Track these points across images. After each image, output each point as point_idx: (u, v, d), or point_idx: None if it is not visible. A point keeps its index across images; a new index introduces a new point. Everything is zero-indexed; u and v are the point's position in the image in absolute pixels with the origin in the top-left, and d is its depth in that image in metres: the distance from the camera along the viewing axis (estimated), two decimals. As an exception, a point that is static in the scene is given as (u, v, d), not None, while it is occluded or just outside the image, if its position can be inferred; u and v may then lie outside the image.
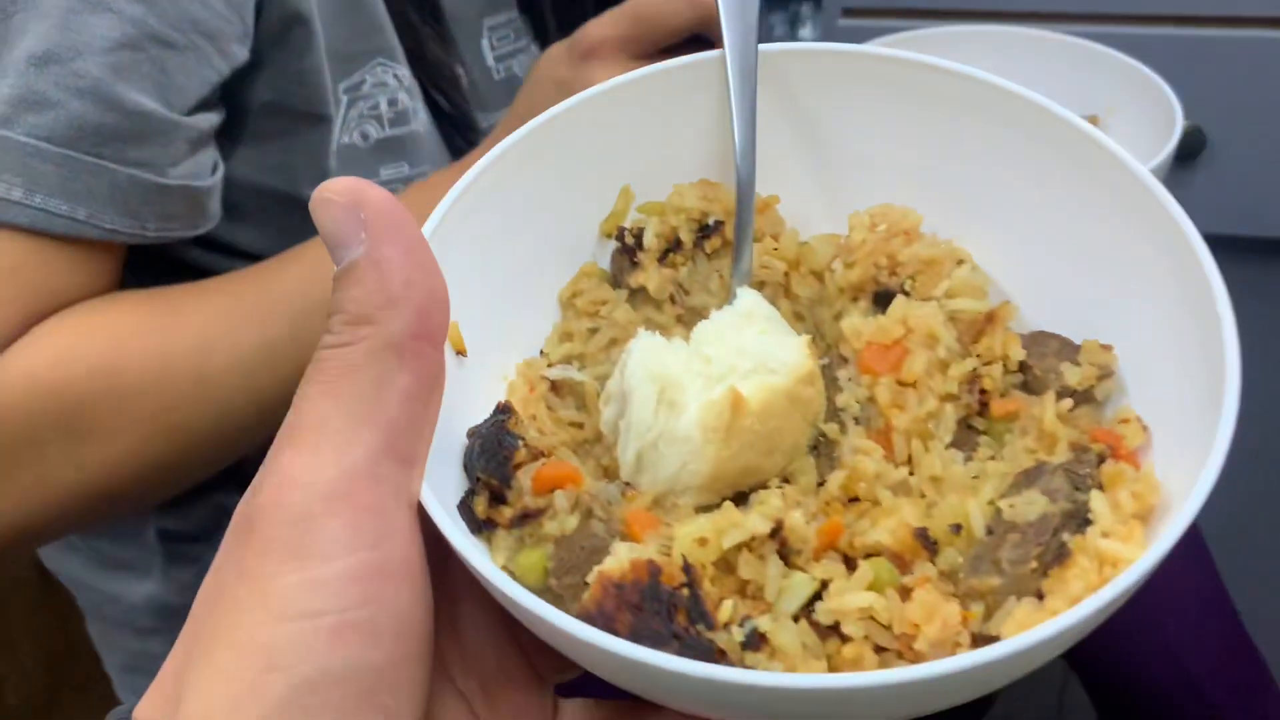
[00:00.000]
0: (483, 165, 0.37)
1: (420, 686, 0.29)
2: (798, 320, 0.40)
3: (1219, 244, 1.19)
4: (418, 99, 0.76)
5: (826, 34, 1.06)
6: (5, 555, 0.63)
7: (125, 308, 0.63)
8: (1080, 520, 0.30)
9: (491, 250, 0.38)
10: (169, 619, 0.82)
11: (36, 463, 0.59)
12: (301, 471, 0.27)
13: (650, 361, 0.34)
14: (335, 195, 0.28)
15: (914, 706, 0.27)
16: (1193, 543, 0.87)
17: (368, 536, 0.27)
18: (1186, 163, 1.04)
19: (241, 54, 0.66)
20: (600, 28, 0.65)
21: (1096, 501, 0.30)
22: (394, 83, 0.74)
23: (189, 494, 0.76)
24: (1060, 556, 0.29)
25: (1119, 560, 0.28)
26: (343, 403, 0.28)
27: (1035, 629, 0.25)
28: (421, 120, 0.77)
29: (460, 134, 0.80)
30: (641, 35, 0.64)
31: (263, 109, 0.69)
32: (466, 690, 0.32)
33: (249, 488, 0.28)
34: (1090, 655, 0.86)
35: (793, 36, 1.43)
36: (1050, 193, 0.37)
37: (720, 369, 0.34)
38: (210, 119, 0.65)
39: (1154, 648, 0.84)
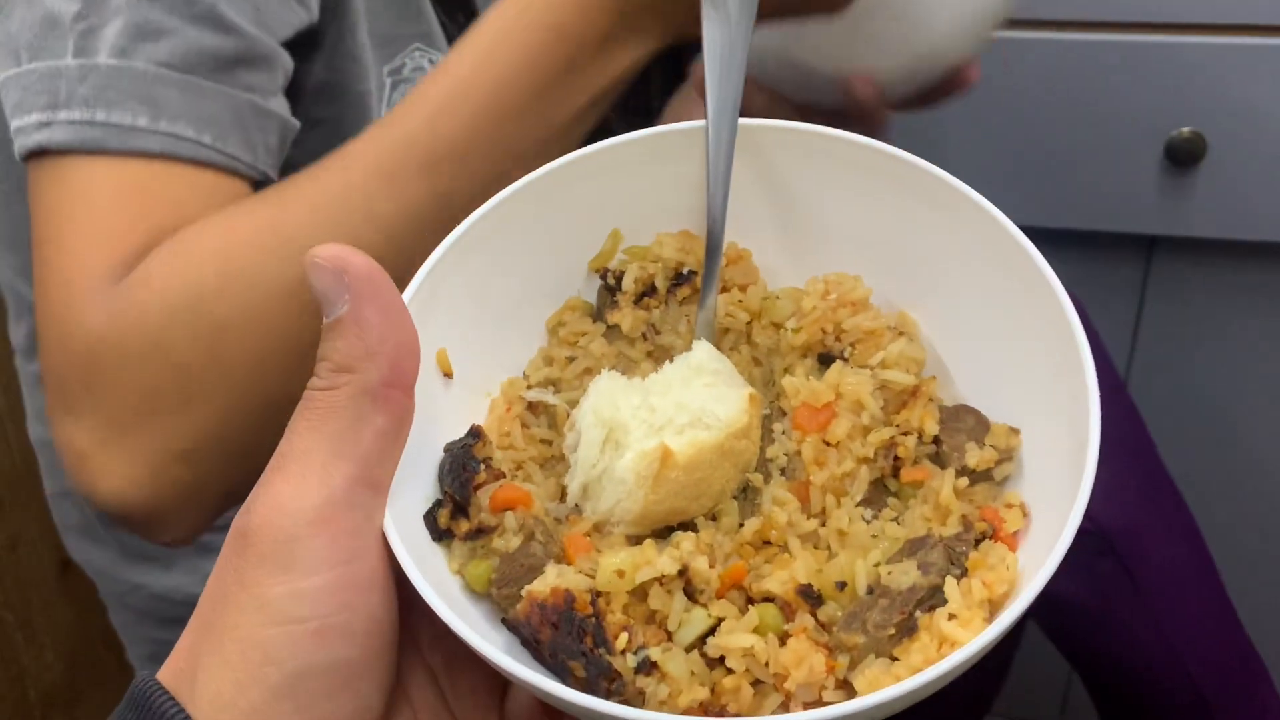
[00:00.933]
0: (487, 208, 0.42)
1: (387, 674, 0.35)
2: (755, 365, 0.45)
3: (1219, 249, 1.23)
4: None
5: None
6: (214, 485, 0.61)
7: (233, 208, 0.63)
8: (937, 598, 0.35)
9: (491, 279, 0.43)
10: (193, 609, 0.85)
11: (182, 375, 0.58)
12: (289, 498, 0.33)
13: (602, 405, 0.39)
14: (323, 260, 0.34)
15: None
16: (1194, 545, 0.89)
17: (344, 554, 0.33)
18: (1188, 168, 1.06)
19: (314, 10, 0.69)
20: None
21: (949, 588, 0.34)
22: (430, 68, 0.77)
23: None
24: (911, 629, 0.34)
25: (954, 641, 0.33)
26: (325, 438, 0.34)
27: (851, 701, 0.30)
28: None
29: None
30: None
31: (316, 92, 0.73)
32: (433, 665, 0.39)
33: (244, 505, 0.34)
34: (1092, 656, 0.89)
35: None
36: (977, 275, 0.41)
37: (660, 420, 0.39)
38: (290, 63, 0.67)
39: (1155, 648, 0.86)
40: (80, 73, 0.60)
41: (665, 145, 0.44)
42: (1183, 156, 1.05)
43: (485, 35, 0.61)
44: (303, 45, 0.70)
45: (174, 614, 0.87)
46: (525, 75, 0.60)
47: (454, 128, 0.59)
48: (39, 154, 0.61)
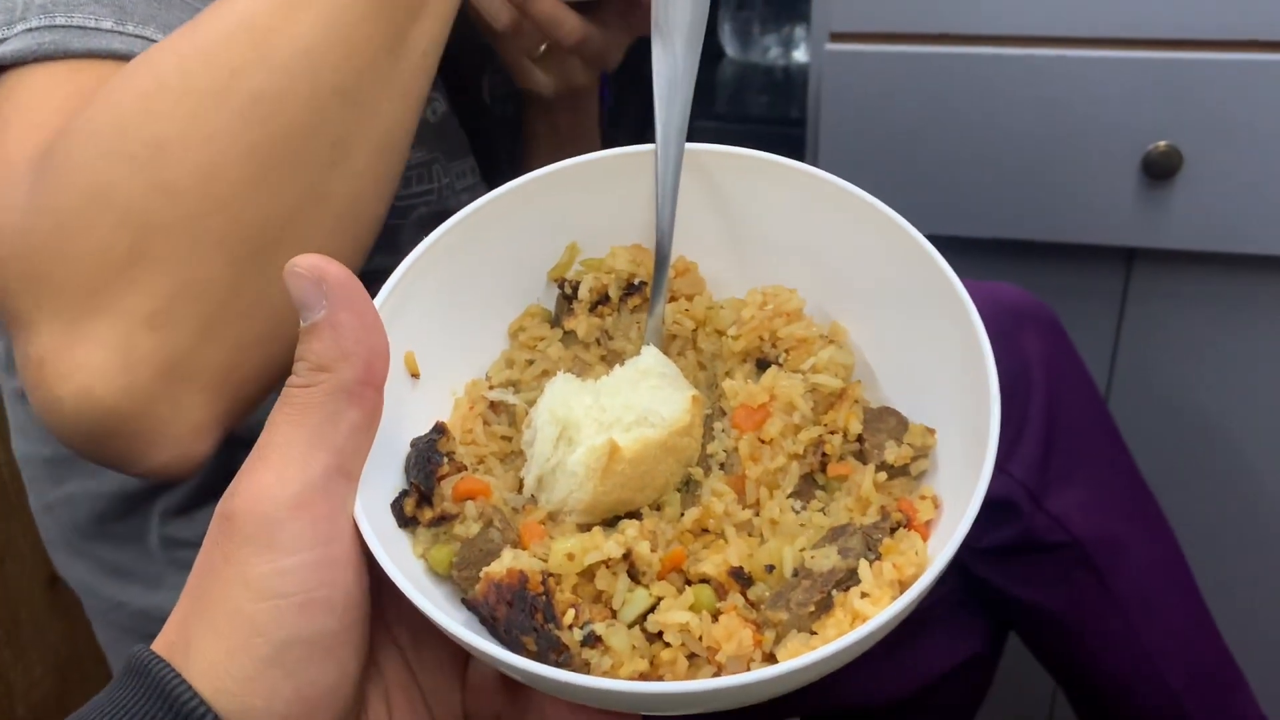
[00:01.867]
0: (455, 220, 0.46)
1: (363, 643, 0.39)
2: (700, 369, 0.49)
3: (1196, 260, 1.25)
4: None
5: (814, 59, 1.11)
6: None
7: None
8: (853, 580, 0.39)
9: (457, 287, 0.47)
10: None
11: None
12: (271, 484, 0.36)
13: (556, 404, 0.43)
14: (302, 270, 0.37)
15: (697, 706, 0.36)
16: (1171, 556, 0.90)
17: (322, 535, 0.37)
18: (1164, 181, 1.08)
19: None
20: None
21: (863, 570, 0.38)
22: None
23: (194, 501, 0.79)
24: (828, 607, 0.38)
25: (865, 616, 0.37)
26: (304, 431, 0.37)
27: (771, 667, 0.34)
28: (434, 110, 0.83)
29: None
30: None
31: None
32: (400, 641, 0.42)
33: (227, 490, 0.37)
34: (1073, 668, 0.91)
35: (787, 58, 1.48)
36: (898, 286, 0.45)
37: (610, 418, 0.42)
38: None
39: (1134, 659, 0.88)
40: None
41: (618, 166, 0.48)
42: (1159, 170, 1.07)
43: None
44: None
45: (155, 630, 0.86)
46: None
47: None
48: None
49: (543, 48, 0.82)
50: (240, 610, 0.35)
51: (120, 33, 0.56)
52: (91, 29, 0.56)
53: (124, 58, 0.56)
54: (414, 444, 0.44)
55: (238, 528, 0.36)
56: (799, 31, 1.45)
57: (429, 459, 0.42)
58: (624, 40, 0.79)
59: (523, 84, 0.86)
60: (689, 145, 0.47)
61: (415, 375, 0.45)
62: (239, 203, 0.51)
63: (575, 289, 0.48)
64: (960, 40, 1.06)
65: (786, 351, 0.46)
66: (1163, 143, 1.06)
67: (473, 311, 0.48)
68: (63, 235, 0.50)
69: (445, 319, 0.46)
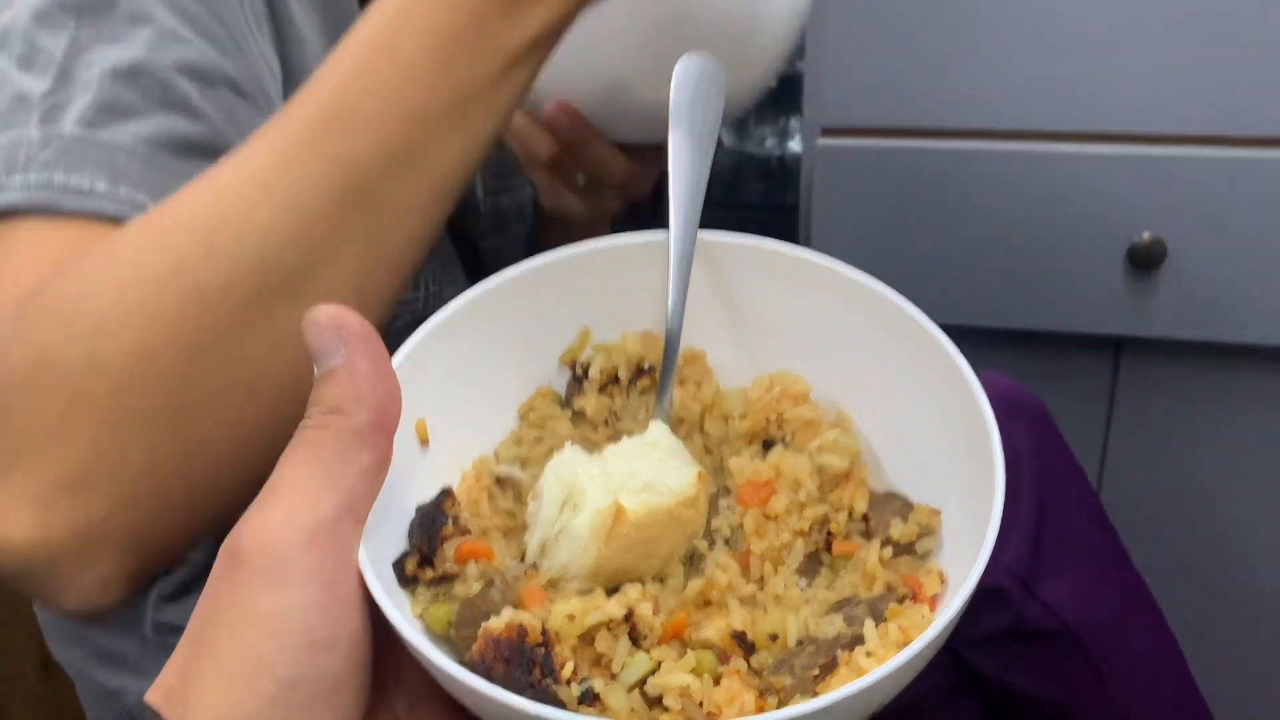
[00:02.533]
0: (473, 294, 0.47)
1: (365, 688, 0.38)
2: (706, 454, 0.49)
3: (1182, 349, 1.27)
4: None
5: (807, 153, 1.14)
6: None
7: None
8: (858, 641, 0.38)
9: (471, 361, 0.48)
10: None
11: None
12: (281, 521, 0.36)
13: (563, 469, 0.44)
14: (323, 318, 0.38)
15: None
16: (1164, 643, 0.90)
17: (330, 573, 0.37)
18: (1149, 271, 1.11)
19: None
20: None
21: (868, 630, 0.38)
22: None
23: (188, 587, 0.77)
24: (833, 666, 0.38)
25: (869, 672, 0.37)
26: (314, 471, 0.37)
27: (768, 713, 0.34)
28: None
29: None
30: None
31: None
32: (398, 707, 0.41)
33: (233, 530, 0.37)
34: None
35: (782, 149, 1.52)
36: (904, 371, 0.46)
37: (615, 484, 0.43)
38: None
39: (1108, 714, 0.88)
40: (43, 139, 0.60)
41: (633, 254, 0.49)
42: (1145, 260, 1.09)
43: (388, 2, 0.56)
44: None
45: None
46: (425, 37, 0.55)
47: (355, 92, 0.54)
48: None
49: (582, 180, 0.83)
50: (247, 647, 0.35)
51: (112, 197, 0.59)
52: (85, 191, 0.58)
53: (113, 219, 0.58)
54: (419, 509, 0.45)
55: (245, 563, 0.36)
56: (794, 123, 1.49)
57: (433, 519, 0.43)
58: (658, 170, 0.80)
59: (552, 209, 0.87)
60: (701, 234, 0.49)
61: (424, 443, 0.46)
62: (169, 383, 0.53)
63: (586, 370, 0.50)
64: (948, 135, 1.10)
65: (792, 433, 0.47)
66: (1147, 234, 1.09)
67: (484, 388, 0.49)
68: (7, 392, 0.53)
69: (457, 392, 0.47)
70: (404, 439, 0.43)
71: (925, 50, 1.10)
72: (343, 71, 0.55)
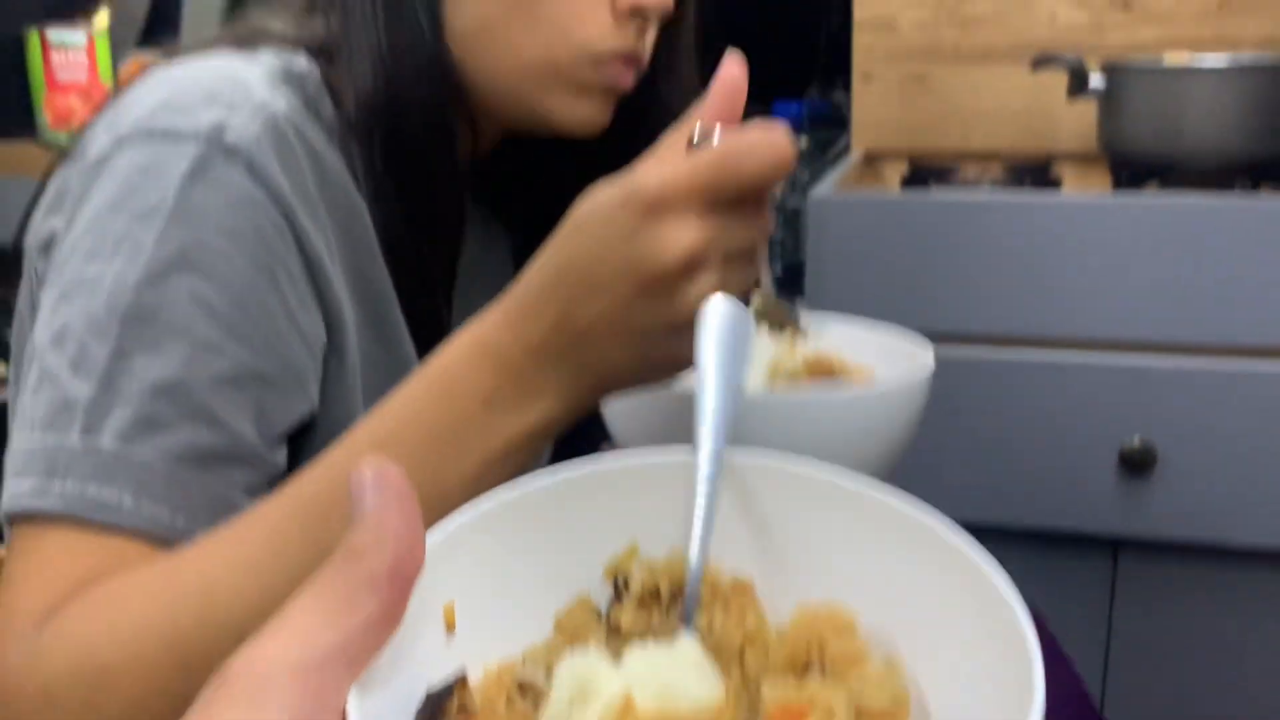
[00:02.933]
0: (525, 489, 0.47)
1: None
2: (744, 688, 0.46)
3: (1173, 551, 1.28)
4: None
5: None
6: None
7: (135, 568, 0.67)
8: None
9: (511, 554, 0.47)
10: None
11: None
12: (272, 649, 0.36)
13: (578, 663, 0.41)
14: (369, 471, 0.39)
15: None
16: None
17: (310, 710, 0.35)
18: (1141, 474, 1.18)
19: (314, 397, 0.76)
20: (671, 175, 0.55)
21: None
22: None
23: None
24: None
25: None
26: (319, 609, 0.37)
27: None
28: None
29: None
30: (724, 185, 0.55)
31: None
32: None
33: (229, 658, 0.36)
34: None
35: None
36: (954, 612, 0.43)
37: (631, 681, 0.40)
38: (283, 457, 0.74)
39: None
40: (84, 449, 0.68)
41: (688, 472, 0.49)
42: (1136, 464, 1.17)
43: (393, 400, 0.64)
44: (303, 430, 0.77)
45: None
46: (410, 430, 0.62)
47: (342, 485, 0.58)
48: (26, 517, 0.68)
49: None
50: None
51: (135, 513, 0.67)
52: (113, 506, 0.66)
53: (137, 533, 0.67)
54: (429, 694, 0.42)
55: (229, 683, 0.35)
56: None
57: (441, 696, 0.41)
58: None
59: None
60: (749, 461, 0.49)
61: (451, 628, 0.44)
62: None
63: (626, 582, 0.48)
64: (944, 339, 1.18)
65: (833, 663, 0.44)
66: (1137, 438, 1.16)
67: (521, 585, 0.47)
68: (19, 713, 0.62)
69: (492, 583, 0.46)
70: (429, 619, 0.43)
71: (923, 262, 1.22)
72: (334, 464, 0.64)
